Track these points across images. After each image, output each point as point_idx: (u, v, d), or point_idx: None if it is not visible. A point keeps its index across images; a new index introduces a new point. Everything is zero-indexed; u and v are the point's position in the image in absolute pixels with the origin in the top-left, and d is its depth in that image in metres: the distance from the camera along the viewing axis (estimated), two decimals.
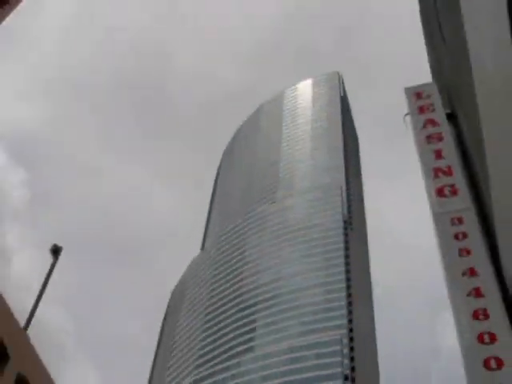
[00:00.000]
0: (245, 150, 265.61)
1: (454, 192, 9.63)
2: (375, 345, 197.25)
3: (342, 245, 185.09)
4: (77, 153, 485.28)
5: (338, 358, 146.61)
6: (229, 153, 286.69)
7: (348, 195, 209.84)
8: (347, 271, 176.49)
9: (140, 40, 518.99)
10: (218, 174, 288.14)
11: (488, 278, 6.50)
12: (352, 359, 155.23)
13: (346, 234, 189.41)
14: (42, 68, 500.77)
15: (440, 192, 9.84)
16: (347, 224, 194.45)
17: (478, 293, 6.21)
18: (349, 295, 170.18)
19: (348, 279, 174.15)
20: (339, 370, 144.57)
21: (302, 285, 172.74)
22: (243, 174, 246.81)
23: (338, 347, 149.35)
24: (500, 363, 5.25)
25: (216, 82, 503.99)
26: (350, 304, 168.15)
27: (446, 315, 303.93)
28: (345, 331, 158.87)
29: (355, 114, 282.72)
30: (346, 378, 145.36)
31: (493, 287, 6.50)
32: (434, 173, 10.76)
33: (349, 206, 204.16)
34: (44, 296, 38.01)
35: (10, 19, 48.51)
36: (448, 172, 10.51)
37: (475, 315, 5.78)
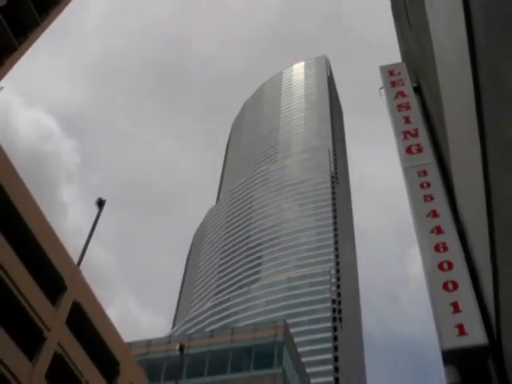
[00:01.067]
0: (251, 120, 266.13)
1: (420, 150, 9.63)
2: (357, 275, 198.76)
3: (329, 196, 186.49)
4: (115, 124, 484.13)
5: (327, 286, 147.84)
6: (237, 122, 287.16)
7: (334, 156, 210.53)
8: (334, 217, 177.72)
9: (162, 30, 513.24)
10: (229, 139, 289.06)
11: (447, 218, 6.53)
12: (338, 287, 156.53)
13: (332, 187, 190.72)
14: (86, 55, 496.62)
15: (408, 150, 9.84)
16: (334, 179, 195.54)
17: (438, 230, 6.23)
18: (335, 236, 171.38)
19: (335, 223, 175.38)
20: (328, 295, 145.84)
21: (298, 228, 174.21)
22: (249, 140, 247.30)
23: (327, 277, 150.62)
24: (456, 285, 5.31)
25: (224, 63, 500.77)
26: (336, 242, 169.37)
27: (414, 249, 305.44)
28: (332, 264, 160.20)
29: (340, 90, 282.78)
30: (333, 301, 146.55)
31: (451, 225, 6.53)
32: (404, 135, 10.72)
33: (335, 165, 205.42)
34: (93, 240, 38.25)
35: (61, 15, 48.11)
36: (415, 134, 10.49)
37: (436, 248, 5.79)
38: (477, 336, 5.51)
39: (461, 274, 6.28)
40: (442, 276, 6.28)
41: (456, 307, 5.82)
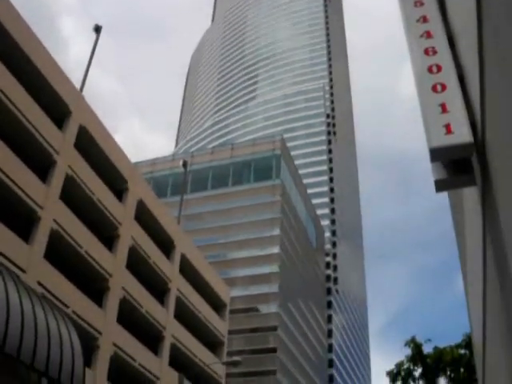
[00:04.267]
0: None
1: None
2: (350, 91, 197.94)
3: (322, 14, 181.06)
4: None
5: (322, 101, 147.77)
6: None
7: None
8: (327, 34, 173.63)
9: None
10: None
11: (437, 24, 6.20)
12: (332, 102, 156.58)
13: (325, 5, 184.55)
14: None
15: None
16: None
17: (428, 35, 6.01)
18: (329, 53, 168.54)
19: (328, 40, 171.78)
20: (322, 110, 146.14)
21: (292, 46, 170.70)
22: None
23: (321, 93, 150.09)
24: (444, 87, 5.26)
25: None
26: (329, 60, 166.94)
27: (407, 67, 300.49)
28: (326, 81, 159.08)
29: None
30: (327, 116, 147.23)
31: (440, 30, 6.21)
32: None
33: None
34: (96, 70, 37.73)
35: None
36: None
37: (426, 52, 5.67)
38: (463, 134, 5.60)
39: (449, 76, 6.25)
40: (430, 78, 6.25)
41: (444, 108, 5.86)
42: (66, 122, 31.92)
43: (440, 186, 5.68)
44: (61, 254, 30.37)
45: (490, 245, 5.87)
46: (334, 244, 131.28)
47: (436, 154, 5.51)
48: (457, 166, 5.69)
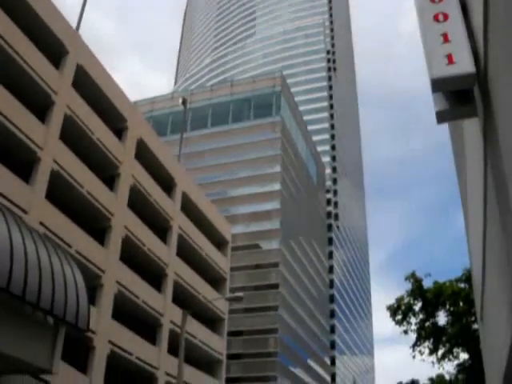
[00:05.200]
0: None
1: None
2: (350, 28, 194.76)
3: None
4: None
5: (321, 37, 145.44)
6: None
7: None
8: None
9: None
10: None
11: None
12: (332, 38, 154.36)
13: None
14: None
15: None
16: None
17: None
18: None
19: None
20: (322, 46, 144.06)
21: None
22: None
23: (321, 29, 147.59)
24: (446, 17, 5.09)
25: None
26: None
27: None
28: (326, 16, 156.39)
29: None
30: (327, 52, 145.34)
31: None
32: None
33: None
34: (93, 10, 36.95)
35: None
36: None
37: None
38: (465, 64, 5.46)
39: (451, 5, 6.07)
40: (432, 8, 6.07)
41: (445, 38, 5.70)
42: (62, 62, 31.47)
43: (441, 117, 5.57)
44: (62, 195, 30.42)
45: (491, 177, 5.81)
46: (334, 181, 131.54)
47: (437, 85, 5.39)
48: (458, 97, 5.57)
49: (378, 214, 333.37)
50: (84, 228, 31.07)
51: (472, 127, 6.85)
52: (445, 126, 11.72)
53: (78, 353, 29.51)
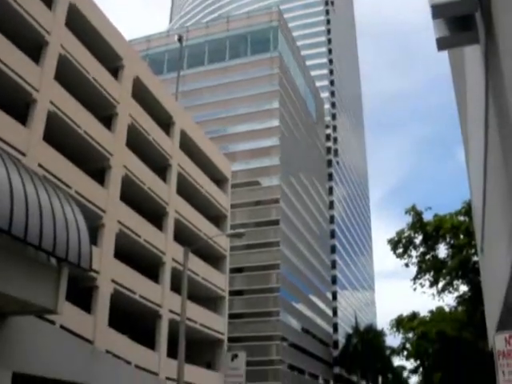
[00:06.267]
0: None
1: None
2: None
3: None
4: None
5: None
6: None
7: None
8: None
9: None
10: None
11: None
12: None
13: None
14: None
15: None
16: None
17: None
18: None
19: None
20: None
21: None
22: None
23: None
24: None
25: None
26: None
27: None
28: None
29: None
30: None
31: None
32: None
33: None
34: None
35: None
36: None
37: None
38: None
39: None
40: None
41: None
42: (55, 1, 30.79)
43: (442, 44, 5.41)
44: (60, 136, 30.25)
45: (493, 104, 5.70)
46: (333, 116, 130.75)
47: (438, 11, 5.21)
48: (459, 23, 5.41)
49: (378, 149, 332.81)
50: (83, 169, 31.02)
51: (473, 54, 6.69)
52: (445, 59, 11.52)
53: (83, 293, 29.90)
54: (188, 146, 44.65)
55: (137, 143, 37.35)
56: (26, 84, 27.27)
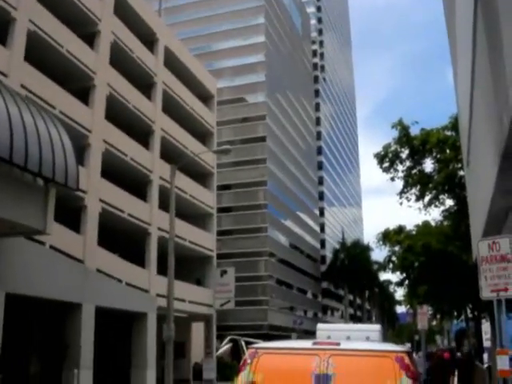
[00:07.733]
0: None
1: None
2: None
3: None
4: None
5: None
6: None
7: None
8: None
9: None
10: None
11: None
12: None
13: None
14: None
15: None
16: None
17: None
18: None
19: None
20: None
21: None
22: None
23: None
24: None
25: None
26: None
27: None
28: None
29: None
30: None
31: None
32: None
33: None
34: None
35: None
36: None
37: None
38: None
39: None
40: None
41: None
42: None
43: None
44: (42, 56, 29.55)
45: (482, 14, 5.59)
46: (320, 31, 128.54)
47: None
48: None
49: (365, 65, 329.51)
50: (67, 89, 30.48)
51: None
52: None
53: (71, 214, 29.98)
54: (172, 64, 43.86)
55: (120, 61, 36.60)
56: (4, 2, 26.43)
